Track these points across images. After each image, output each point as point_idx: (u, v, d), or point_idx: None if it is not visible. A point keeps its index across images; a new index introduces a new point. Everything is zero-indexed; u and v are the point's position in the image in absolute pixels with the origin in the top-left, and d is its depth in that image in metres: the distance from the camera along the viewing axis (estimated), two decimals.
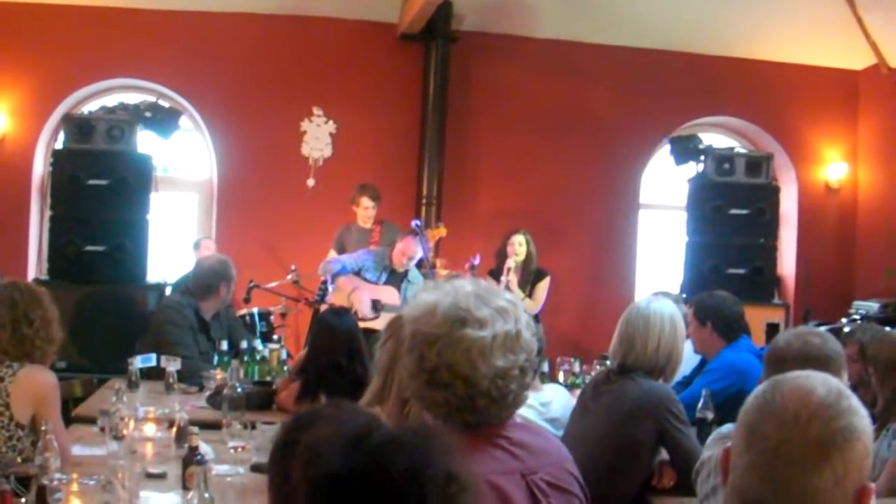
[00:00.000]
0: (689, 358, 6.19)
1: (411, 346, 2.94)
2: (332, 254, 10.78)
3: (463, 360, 2.83)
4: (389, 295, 9.79)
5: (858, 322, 9.76)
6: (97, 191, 10.01)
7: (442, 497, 1.89)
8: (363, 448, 1.90)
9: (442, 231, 10.80)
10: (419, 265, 10.22)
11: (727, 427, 4.23)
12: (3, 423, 5.12)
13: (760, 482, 2.13)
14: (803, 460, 2.08)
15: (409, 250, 9.83)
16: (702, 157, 11.75)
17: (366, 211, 10.88)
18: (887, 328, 6.52)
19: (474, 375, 2.83)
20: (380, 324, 8.30)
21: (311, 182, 12.39)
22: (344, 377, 5.86)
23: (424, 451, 1.91)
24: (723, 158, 11.71)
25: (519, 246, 10.59)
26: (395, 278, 9.94)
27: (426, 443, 1.94)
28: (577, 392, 6.44)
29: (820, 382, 2.19)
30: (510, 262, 10.51)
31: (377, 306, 9.54)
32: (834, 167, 13.51)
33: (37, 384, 5.23)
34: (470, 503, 1.94)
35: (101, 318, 9.85)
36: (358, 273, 9.90)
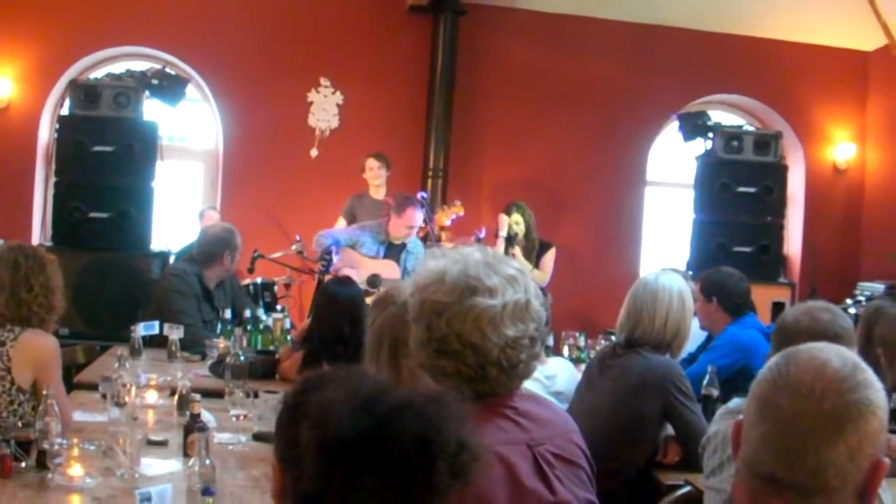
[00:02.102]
0: (694, 335, 6.17)
1: (419, 315, 2.91)
2: (341, 222, 10.82)
3: (473, 328, 2.80)
4: (389, 269, 9.76)
5: (871, 299, 9.73)
6: (102, 157, 9.97)
7: (451, 465, 1.87)
8: (375, 412, 1.87)
9: (459, 209, 10.77)
10: (425, 239, 10.21)
11: (735, 402, 4.21)
12: (5, 387, 5.10)
13: (773, 455, 2.10)
14: (817, 433, 2.05)
15: (411, 220, 9.79)
16: (710, 135, 11.72)
17: (372, 171, 10.90)
18: None
19: (485, 344, 2.81)
20: None
21: (314, 153, 12.35)
22: (347, 347, 5.83)
23: (436, 418, 1.88)
24: (731, 136, 11.67)
25: (516, 224, 10.58)
26: (394, 250, 9.90)
27: (438, 409, 1.91)
28: (582, 366, 6.43)
29: (834, 354, 2.15)
30: (502, 233, 10.49)
31: (377, 281, 9.50)
32: (842, 147, 13.48)
33: (38, 348, 5.20)
34: (478, 472, 1.92)
35: (104, 285, 9.82)
36: (353, 247, 9.87)
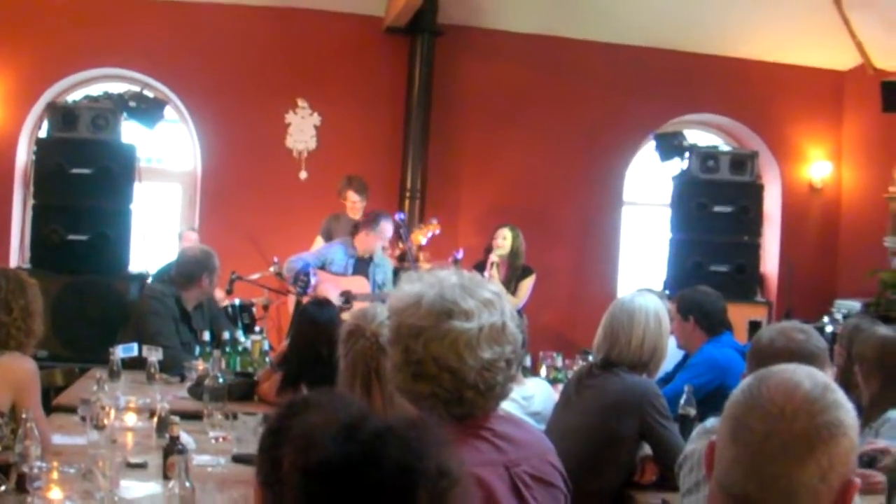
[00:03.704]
0: (671, 354, 6.19)
1: (396, 339, 2.93)
2: (319, 241, 10.88)
3: (450, 352, 2.82)
4: (358, 284, 9.82)
5: (849, 317, 9.76)
6: (81, 180, 9.96)
7: (431, 491, 1.88)
8: (357, 437, 1.89)
9: (434, 227, 10.80)
10: (402, 259, 10.25)
11: (711, 421, 4.23)
12: None
13: (745, 476, 2.12)
14: (788, 454, 2.07)
15: (385, 233, 9.89)
16: (686, 154, 11.75)
17: (353, 205, 10.94)
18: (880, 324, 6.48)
19: (461, 368, 2.82)
20: None
21: (303, 175, 12.38)
22: (325, 368, 5.82)
23: (417, 444, 1.90)
24: (707, 156, 11.69)
25: (503, 239, 10.52)
26: (362, 265, 9.97)
27: (420, 435, 1.92)
28: (560, 386, 6.44)
29: (806, 376, 2.18)
30: (493, 257, 10.48)
31: (349, 297, 9.53)
32: (818, 166, 13.55)
33: (16, 371, 5.20)
34: (459, 498, 1.94)
35: (82, 307, 9.80)
36: (322, 267, 9.91)
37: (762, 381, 2.19)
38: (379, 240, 9.91)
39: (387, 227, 9.94)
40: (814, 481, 2.07)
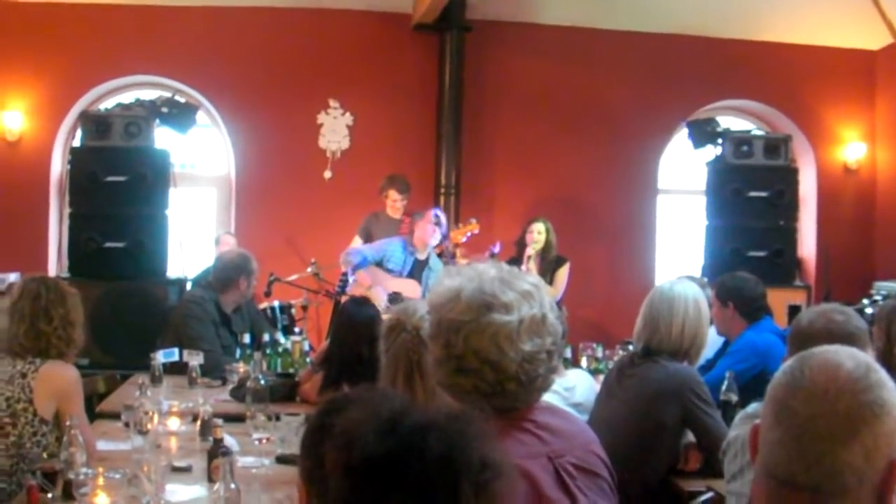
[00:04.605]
0: (712, 341, 6.17)
1: (437, 334, 2.93)
2: (357, 241, 10.86)
3: (490, 345, 2.82)
4: (410, 287, 9.81)
5: (887, 298, 9.70)
6: (116, 187, 10.01)
7: (475, 483, 1.88)
8: (398, 432, 1.89)
9: (473, 227, 10.79)
10: (440, 255, 10.26)
11: (753, 406, 4.22)
12: (28, 418, 5.12)
13: (790, 458, 2.11)
14: (833, 435, 2.06)
15: (424, 234, 9.94)
16: (720, 141, 11.71)
17: (395, 203, 10.95)
18: None
19: (502, 360, 2.83)
20: None
21: (328, 174, 12.39)
22: (366, 367, 5.82)
23: (459, 437, 1.90)
24: (741, 141, 11.66)
25: (538, 234, 10.53)
26: (418, 267, 10.01)
27: (461, 428, 1.92)
28: (601, 377, 6.44)
29: (848, 356, 2.17)
30: (529, 251, 10.47)
31: (397, 298, 9.53)
32: (852, 147, 13.47)
33: (59, 379, 5.23)
34: (503, 490, 1.93)
35: (122, 313, 9.84)
36: (380, 264, 9.94)
37: (804, 362, 2.18)
38: (428, 223, 9.95)
39: (436, 211, 10.04)
40: (858, 461, 2.05)
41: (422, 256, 10.06)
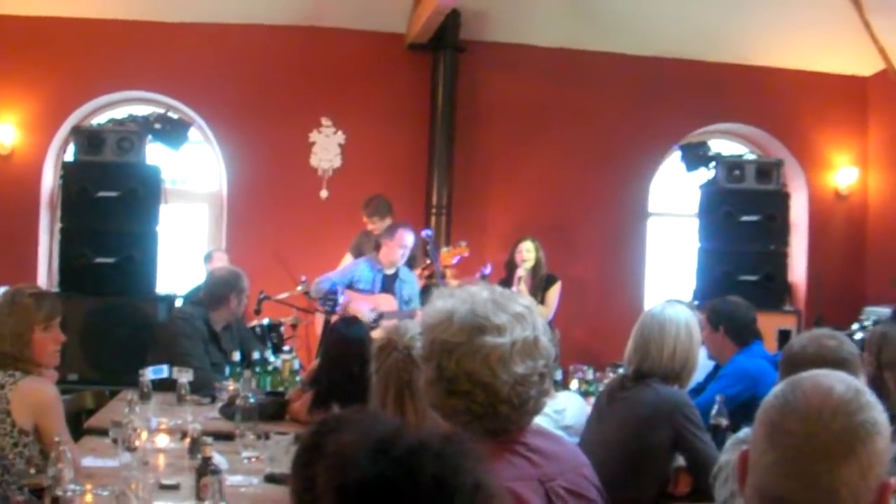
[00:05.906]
0: (702, 364, 6.17)
1: (429, 355, 2.93)
2: (348, 257, 10.94)
3: (483, 367, 2.82)
4: (386, 302, 9.84)
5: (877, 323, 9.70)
6: (107, 203, 10.02)
7: None
8: (391, 454, 1.88)
9: (463, 250, 10.78)
10: (430, 277, 10.26)
11: (745, 431, 4.21)
12: (6, 429, 5.09)
13: (786, 478, 2.15)
14: (830, 453, 2.11)
15: (402, 239, 9.94)
16: (712, 164, 11.76)
17: (375, 227, 10.92)
18: None
19: (495, 383, 2.82)
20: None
21: (324, 193, 12.39)
22: (356, 386, 5.82)
23: (452, 459, 1.89)
24: (733, 165, 11.72)
25: (527, 252, 10.53)
26: (388, 281, 10.02)
27: (454, 450, 1.92)
28: (591, 399, 6.44)
29: (837, 380, 2.23)
30: (520, 271, 10.47)
31: (379, 315, 9.55)
32: (843, 173, 13.49)
33: (35, 395, 5.18)
34: None
35: (111, 329, 9.84)
36: (350, 286, 9.93)
37: (795, 385, 2.24)
38: (398, 247, 9.93)
39: (404, 234, 9.98)
40: (855, 479, 2.11)
41: (390, 272, 10.06)
